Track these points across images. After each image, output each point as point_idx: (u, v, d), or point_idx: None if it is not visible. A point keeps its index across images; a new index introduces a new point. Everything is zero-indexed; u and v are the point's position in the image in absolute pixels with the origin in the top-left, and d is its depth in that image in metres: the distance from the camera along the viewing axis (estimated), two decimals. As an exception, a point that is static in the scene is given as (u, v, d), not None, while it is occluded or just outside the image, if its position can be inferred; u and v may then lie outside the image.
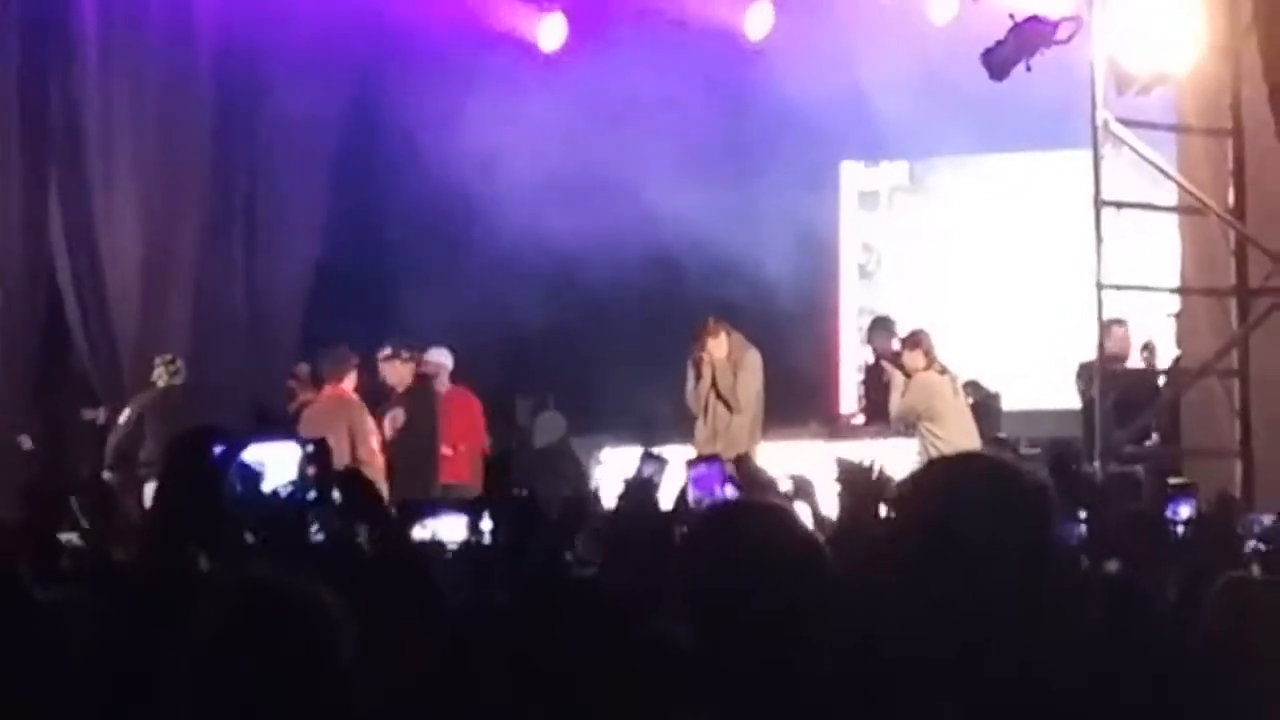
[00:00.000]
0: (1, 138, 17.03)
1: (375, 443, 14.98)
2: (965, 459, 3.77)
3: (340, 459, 14.73)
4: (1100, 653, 3.38)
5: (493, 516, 5.53)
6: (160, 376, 16.19)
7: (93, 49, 17.70)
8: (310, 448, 4.46)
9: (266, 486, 4.26)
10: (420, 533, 5.66)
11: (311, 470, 4.48)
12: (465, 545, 5.63)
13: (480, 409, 16.59)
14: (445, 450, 15.80)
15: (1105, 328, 13.51)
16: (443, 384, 16.38)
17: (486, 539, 5.52)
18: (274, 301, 19.11)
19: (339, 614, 3.38)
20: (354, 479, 5.09)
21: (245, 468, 4.18)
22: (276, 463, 4.40)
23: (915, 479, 3.72)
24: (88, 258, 17.61)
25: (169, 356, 16.48)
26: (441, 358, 16.45)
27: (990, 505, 3.51)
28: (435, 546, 5.55)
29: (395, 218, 19.27)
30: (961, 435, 14.32)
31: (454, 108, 17.62)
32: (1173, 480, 9.11)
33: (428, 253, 19.23)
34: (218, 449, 4.14)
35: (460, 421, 16.18)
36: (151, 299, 18.09)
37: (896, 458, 15.01)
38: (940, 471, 3.76)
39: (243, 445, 4.17)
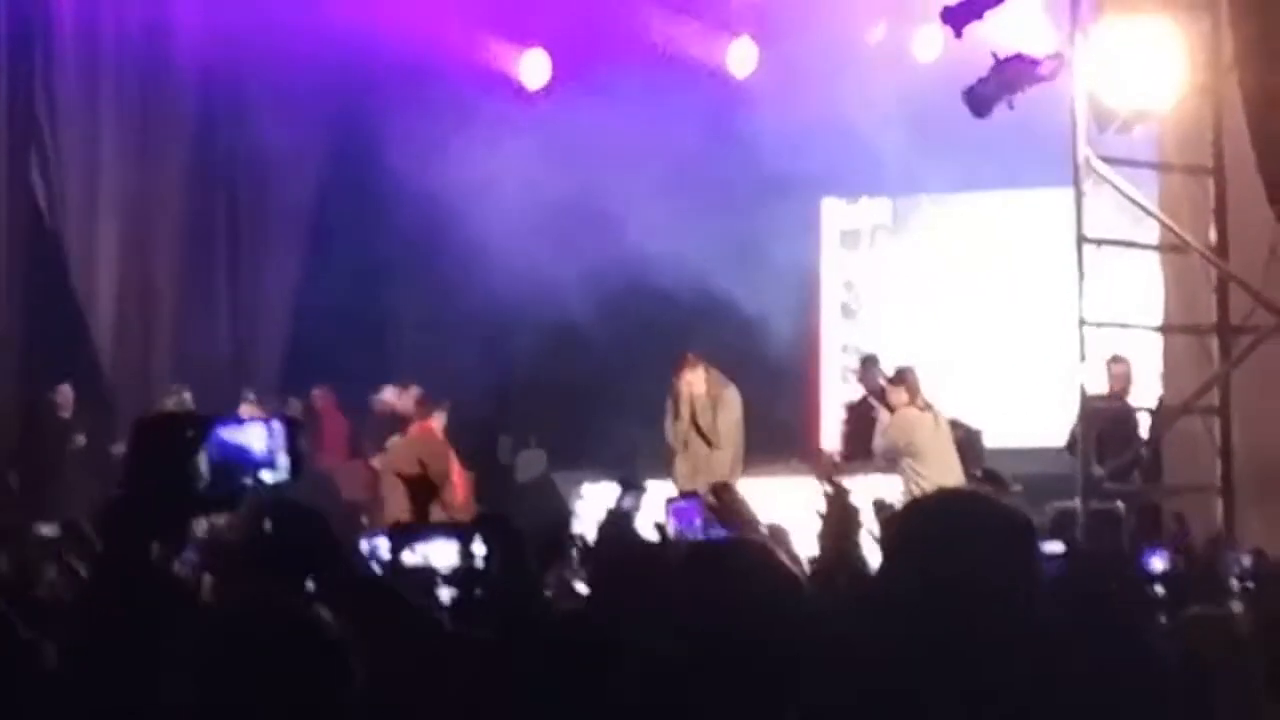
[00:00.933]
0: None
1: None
2: (946, 496, 3.79)
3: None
4: (1083, 686, 3.38)
5: (486, 541, 5.51)
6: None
7: (73, 84, 17.73)
8: (279, 424, 4.42)
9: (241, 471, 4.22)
10: (410, 558, 5.64)
11: (282, 450, 4.44)
12: (456, 571, 5.61)
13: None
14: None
15: (1106, 364, 13.57)
16: None
17: (479, 563, 5.50)
18: (256, 339, 19.12)
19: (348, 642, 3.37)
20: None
21: (222, 447, 4.13)
22: (249, 444, 4.37)
23: (898, 517, 3.74)
24: (67, 293, 17.62)
25: (174, 387, 16.57)
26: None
27: (971, 542, 3.52)
28: (426, 572, 5.52)
29: (379, 255, 19.26)
30: (943, 471, 14.33)
31: (439, 144, 17.64)
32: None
33: (410, 290, 19.25)
34: (188, 433, 4.10)
35: None
36: (132, 333, 18.09)
37: (877, 494, 15.15)
38: (921, 509, 3.78)
39: (212, 427, 4.14)
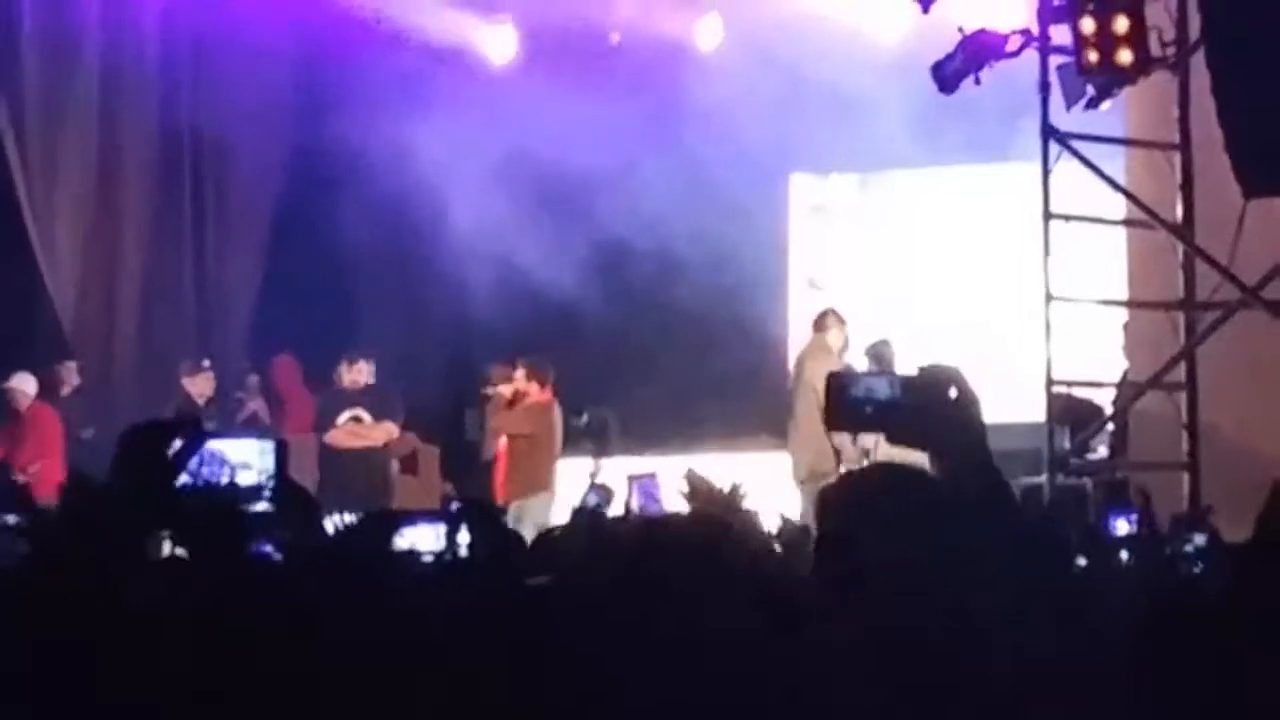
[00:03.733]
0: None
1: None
2: (870, 472, 3.82)
3: (550, 464, 15.61)
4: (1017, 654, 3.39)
5: (471, 529, 5.51)
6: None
7: (35, 63, 17.65)
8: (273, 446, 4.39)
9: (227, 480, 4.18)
10: (399, 542, 5.63)
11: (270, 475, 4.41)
12: (440, 556, 5.60)
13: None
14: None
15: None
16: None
17: (463, 551, 5.50)
18: (222, 311, 19.07)
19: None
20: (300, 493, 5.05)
21: (210, 460, 4.09)
22: (239, 459, 4.33)
23: (824, 494, 3.77)
24: (31, 268, 17.57)
25: (197, 362, 16.68)
26: (24, 384, 16.50)
27: (892, 515, 3.55)
28: (411, 556, 5.51)
29: (343, 234, 19.20)
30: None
31: (404, 119, 17.59)
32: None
33: (376, 263, 19.21)
34: (176, 443, 4.06)
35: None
36: (98, 308, 18.04)
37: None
38: (845, 486, 3.85)
39: (202, 441, 4.09)
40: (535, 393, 15.85)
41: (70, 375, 17.38)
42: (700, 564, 3.62)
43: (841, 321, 15.40)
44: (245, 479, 4.37)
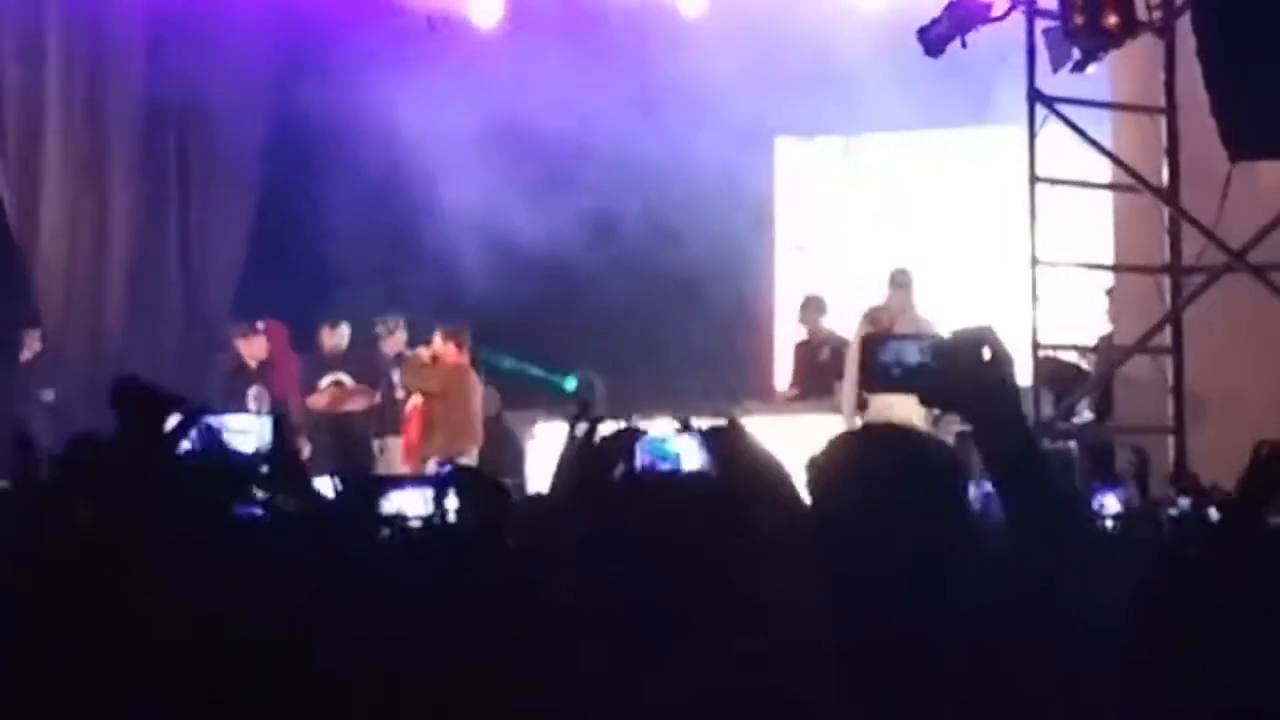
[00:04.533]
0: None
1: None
2: (868, 432, 3.79)
3: (477, 422, 16.09)
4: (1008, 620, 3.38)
5: (460, 494, 5.48)
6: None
7: (13, 40, 17.61)
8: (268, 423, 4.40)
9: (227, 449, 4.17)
10: (386, 506, 5.62)
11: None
12: (428, 521, 5.58)
13: None
14: None
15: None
16: None
17: (451, 517, 5.47)
18: (208, 281, 19.04)
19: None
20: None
21: (208, 431, 4.07)
22: (238, 428, 4.33)
23: (823, 456, 3.74)
24: (16, 233, 17.56)
25: (389, 320, 17.26)
26: None
27: (895, 475, 3.54)
28: (399, 520, 5.50)
29: (330, 197, 19.15)
30: (911, 411, 14.36)
31: (389, 83, 17.54)
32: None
33: (362, 230, 19.15)
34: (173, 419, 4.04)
35: None
36: (85, 279, 18.04)
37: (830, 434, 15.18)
38: (844, 446, 3.80)
39: (199, 417, 4.08)
40: (452, 354, 16.48)
41: (32, 341, 17.49)
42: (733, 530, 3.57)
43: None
44: (244, 447, 4.37)
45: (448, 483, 5.63)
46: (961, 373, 3.51)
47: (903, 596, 3.40)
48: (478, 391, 16.55)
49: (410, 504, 5.74)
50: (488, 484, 5.68)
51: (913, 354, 3.62)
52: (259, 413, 16.12)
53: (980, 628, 3.34)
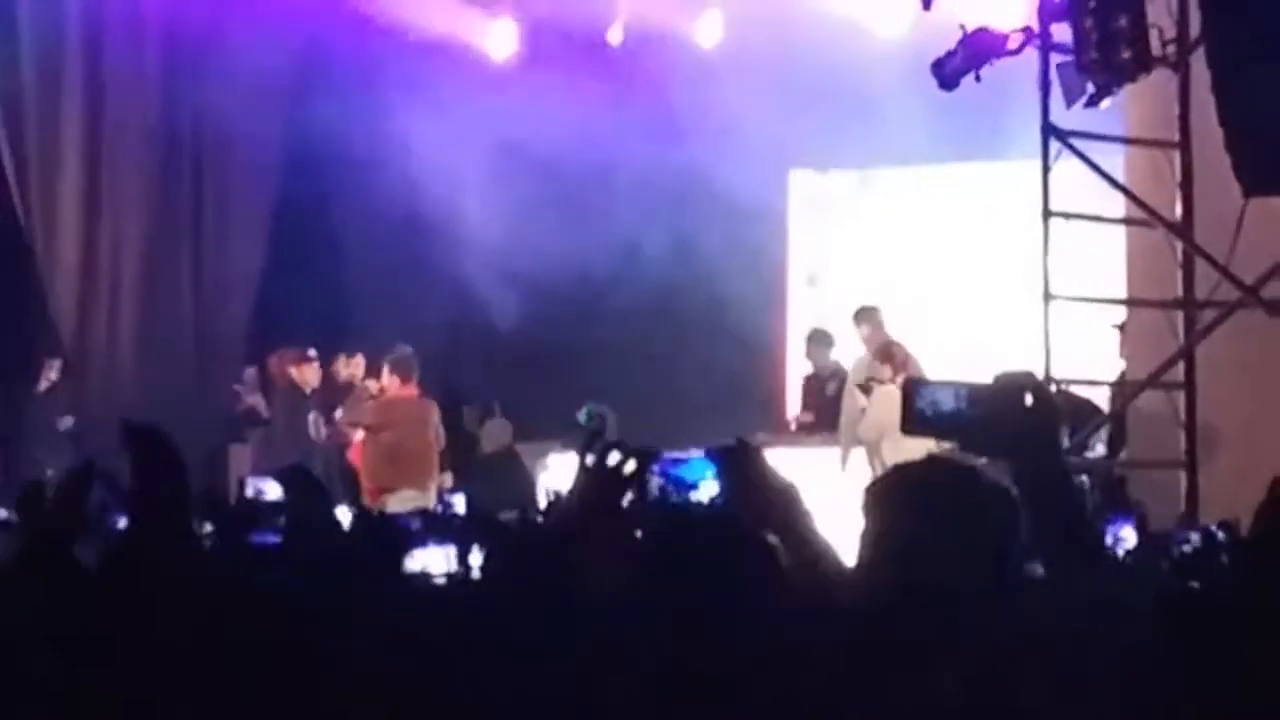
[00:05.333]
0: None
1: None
2: (927, 465, 3.78)
3: (429, 455, 15.85)
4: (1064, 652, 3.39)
5: (484, 548, 5.48)
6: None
7: (31, 56, 17.66)
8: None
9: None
10: (410, 564, 5.61)
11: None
12: (452, 578, 5.58)
13: None
14: None
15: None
16: None
17: (475, 573, 5.46)
18: (221, 306, 19.07)
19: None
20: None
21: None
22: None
23: (880, 486, 3.74)
24: (31, 261, 17.60)
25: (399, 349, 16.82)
26: None
27: (954, 509, 3.54)
28: (422, 579, 5.49)
29: (343, 228, 19.21)
30: (912, 447, 14.33)
31: (405, 113, 17.59)
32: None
33: (375, 259, 19.19)
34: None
35: None
36: (98, 302, 18.07)
37: (839, 465, 15.21)
38: (903, 477, 3.79)
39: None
40: (395, 387, 16.07)
41: (50, 370, 17.54)
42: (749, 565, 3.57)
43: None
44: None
45: (470, 538, 5.59)
46: (1001, 418, 3.53)
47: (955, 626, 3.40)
48: (427, 424, 16.13)
49: (434, 562, 5.73)
50: (510, 534, 5.66)
51: (948, 400, 3.64)
52: (318, 438, 16.15)
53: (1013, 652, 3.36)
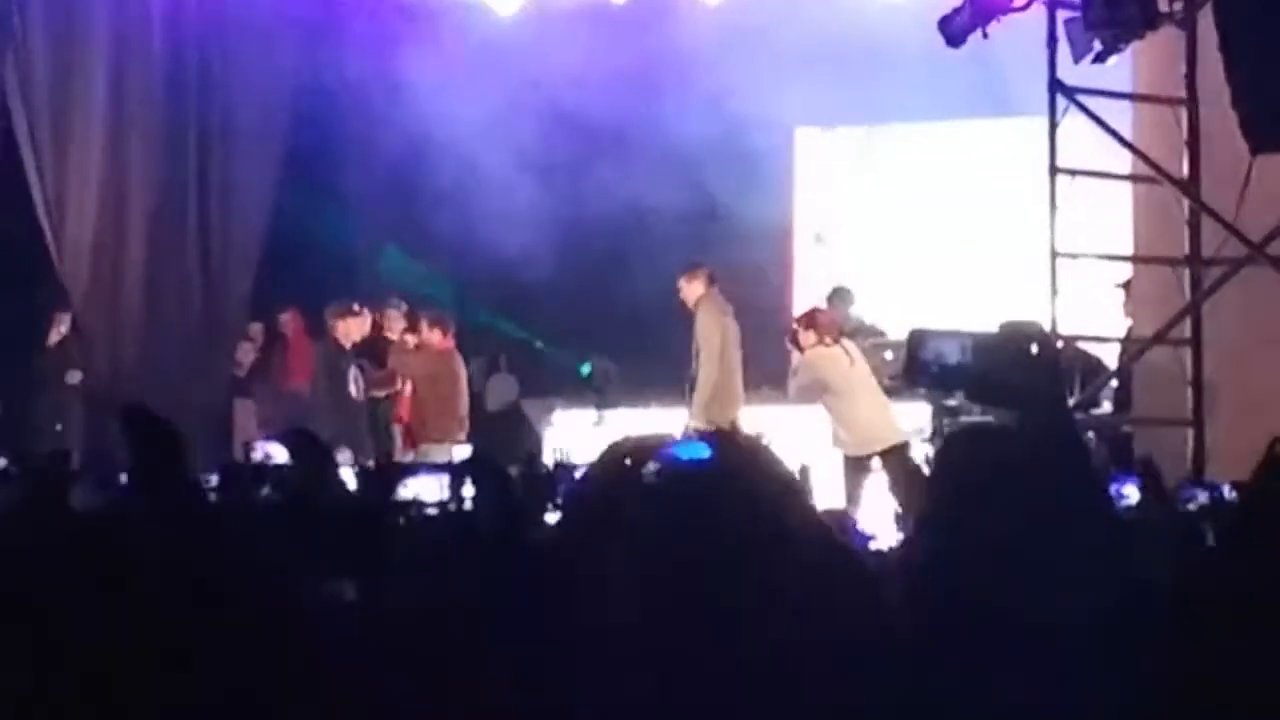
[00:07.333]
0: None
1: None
2: (984, 428, 3.74)
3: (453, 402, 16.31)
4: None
5: (476, 482, 5.47)
6: None
7: (40, 19, 17.65)
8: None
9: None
10: (403, 492, 5.64)
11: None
12: (444, 507, 5.59)
13: None
14: None
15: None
16: None
17: (468, 504, 5.47)
18: (228, 265, 19.06)
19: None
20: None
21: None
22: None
23: (941, 454, 3.70)
24: (37, 218, 17.63)
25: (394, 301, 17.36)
26: None
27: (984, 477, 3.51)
28: (415, 506, 5.51)
29: (350, 181, 19.19)
30: (862, 405, 14.53)
31: (409, 69, 17.56)
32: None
33: (381, 214, 19.18)
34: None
35: None
36: (104, 263, 18.10)
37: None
38: (966, 443, 3.73)
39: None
40: (437, 340, 16.71)
41: (61, 324, 17.60)
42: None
43: None
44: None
45: (464, 471, 5.62)
46: (1007, 368, 3.50)
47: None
48: (461, 378, 16.71)
49: (427, 490, 5.75)
50: (505, 472, 5.67)
51: (953, 351, 3.61)
52: (357, 394, 16.23)
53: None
